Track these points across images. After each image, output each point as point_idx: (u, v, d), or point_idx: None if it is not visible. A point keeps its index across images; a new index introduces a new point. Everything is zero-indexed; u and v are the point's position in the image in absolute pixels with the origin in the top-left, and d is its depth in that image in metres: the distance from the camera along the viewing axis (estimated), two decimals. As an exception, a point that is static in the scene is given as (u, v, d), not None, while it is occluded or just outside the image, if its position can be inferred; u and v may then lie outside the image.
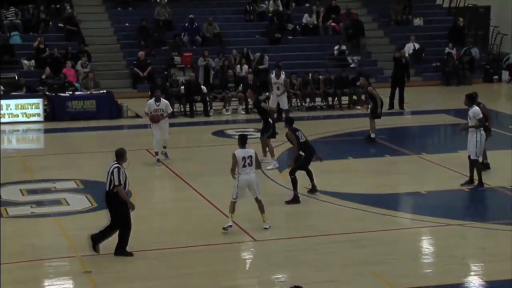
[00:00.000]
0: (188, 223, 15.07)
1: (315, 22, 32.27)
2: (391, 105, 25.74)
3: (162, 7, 31.36)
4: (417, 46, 31.65)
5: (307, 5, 33.36)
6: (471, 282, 12.33)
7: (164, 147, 19.26)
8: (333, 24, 32.31)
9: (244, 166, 13.97)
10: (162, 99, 19.03)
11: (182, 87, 25.82)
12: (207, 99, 25.65)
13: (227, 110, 25.89)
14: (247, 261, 13.33)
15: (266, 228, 14.12)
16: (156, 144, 19.00)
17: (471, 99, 16.74)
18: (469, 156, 16.71)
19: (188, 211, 15.85)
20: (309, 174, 16.24)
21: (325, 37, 32.02)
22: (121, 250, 12.94)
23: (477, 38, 34.53)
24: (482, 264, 12.93)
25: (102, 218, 15.25)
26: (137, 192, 17.03)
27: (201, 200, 16.41)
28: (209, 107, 25.60)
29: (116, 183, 12.67)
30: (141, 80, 28.36)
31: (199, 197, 16.59)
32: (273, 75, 23.67)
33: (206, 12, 31.78)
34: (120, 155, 12.95)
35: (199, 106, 25.61)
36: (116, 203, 12.78)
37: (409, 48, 31.69)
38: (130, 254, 12.98)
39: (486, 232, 14.27)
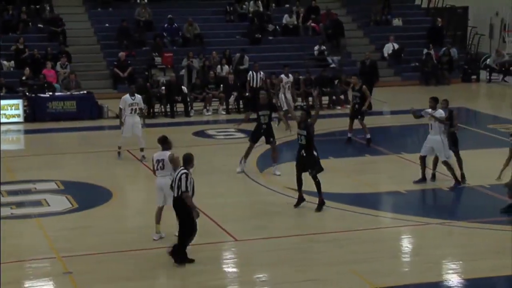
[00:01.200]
0: (169, 224, 14.99)
1: (295, 22, 32.31)
2: None
3: (143, 7, 31.29)
4: (396, 46, 31.77)
5: (287, 5, 33.40)
6: (450, 280, 12.37)
7: (142, 149, 19.19)
8: (313, 24, 32.36)
9: (156, 169, 13.76)
10: (136, 94, 19.41)
11: (163, 87, 25.77)
12: (188, 99, 25.61)
13: (207, 111, 25.87)
14: (228, 261, 13.30)
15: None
16: (123, 140, 19.42)
17: (436, 101, 16.95)
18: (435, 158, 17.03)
19: (169, 211, 15.76)
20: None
21: (305, 38, 32.05)
22: (179, 255, 12.55)
23: (455, 38, 34.71)
24: (461, 262, 12.99)
25: (83, 219, 15.23)
26: (119, 192, 17.00)
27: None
28: (189, 108, 25.56)
29: (183, 189, 12.31)
30: (122, 80, 28.26)
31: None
32: (283, 75, 23.82)
33: (186, 13, 31.72)
34: (188, 161, 12.62)
35: (180, 107, 25.56)
36: (184, 209, 12.43)
37: (388, 48, 31.81)
38: (192, 260, 12.62)
39: (465, 231, 14.33)
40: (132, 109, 19.16)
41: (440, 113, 16.77)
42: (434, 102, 16.94)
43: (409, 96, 28.86)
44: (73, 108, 24.75)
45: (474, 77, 32.04)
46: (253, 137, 18.20)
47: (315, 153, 15.27)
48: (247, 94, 25.06)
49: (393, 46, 31.77)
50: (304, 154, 15.23)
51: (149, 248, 13.52)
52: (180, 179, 12.34)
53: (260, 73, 24.92)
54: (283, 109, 22.81)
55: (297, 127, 15.58)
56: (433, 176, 17.28)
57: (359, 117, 20.96)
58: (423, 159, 17.12)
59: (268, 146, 18.32)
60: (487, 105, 28.47)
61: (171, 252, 12.58)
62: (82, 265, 12.75)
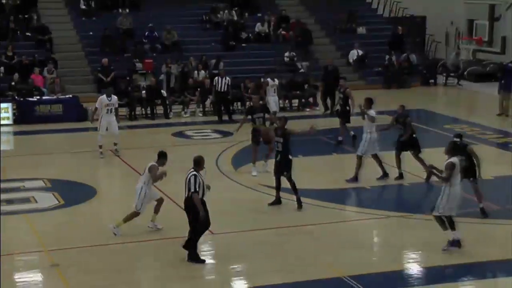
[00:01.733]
0: (149, 218, 14.95)
1: (267, 30, 32.31)
2: (326, 108, 25.91)
3: (124, 16, 31.16)
4: (360, 52, 31.88)
5: (259, 15, 33.38)
6: (410, 269, 12.47)
7: (115, 144, 19.46)
8: (283, 32, 32.37)
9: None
10: (112, 95, 19.57)
11: (144, 91, 25.68)
12: (167, 102, 25.54)
13: (185, 113, 25.81)
14: (206, 253, 13.26)
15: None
16: (101, 138, 19.45)
17: (371, 102, 17.23)
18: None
19: (150, 207, 15.71)
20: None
21: (276, 45, 32.06)
22: (192, 257, 12.42)
23: (414, 45, 34.87)
24: (420, 252, 13.07)
25: (69, 215, 15.14)
26: (103, 189, 16.93)
27: (162, 196, 16.28)
28: (169, 110, 25.49)
29: (192, 190, 12.18)
30: (105, 85, 27.98)
31: (160, 194, 16.45)
32: (269, 79, 23.74)
33: (165, 22, 31.61)
34: (198, 163, 12.45)
35: (160, 109, 25.47)
36: (194, 208, 12.27)
37: (353, 54, 31.91)
38: (203, 261, 12.49)
39: (424, 223, 14.40)
40: (108, 109, 19.31)
41: (372, 113, 17.00)
42: (369, 103, 17.21)
43: (373, 99, 28.95)
44: (59, 111, 24.59)
45: (432, 81, 32.20)
46: (254, 140, 18.04)
47: (290, 157, 15.22)
48: (213, 98, 24.89)
49: (358, 53, 31.88)
50: (279, 159, 15.16)
51: (131, 242, 13.47)
52: (189, 180, 12.23)
53: (225, 78, 24.76)
54: (272, 110, 22.66)
55: (275, 134, 15.45)
56: (401, 175, 17.26)
57: (343, 119, 20.76)
58: (375, 156, 17.13)
59: (246, 144, 18.29)
60: (443, 107, 28.64)
61: (184, 246, 12.48)
62: (69, 258, 12.69)
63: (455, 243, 12.70)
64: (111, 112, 19.38)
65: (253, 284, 11.83)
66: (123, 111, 25.01)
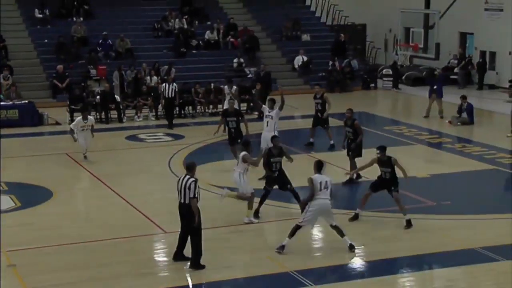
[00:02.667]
0: (105, 218, 14.82)
1: (216, 38, 32.28)
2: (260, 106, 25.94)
3: (78, 25, 30.82)
4: (305, 58, 32.07)
5: (209, 23, 33.32)
6: (355, 262, 12.57)
7: (86, 150, 19.30)
8: (232, 39, 32.39)
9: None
10: (89, 116, 19.65)
11: (98, 96, 25.41)
12: (121, 107, 25.32)
13: (138, 117, 25.61)
14: (159, 251, 13.20)
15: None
16: (82, 147, 19.34)
17: (273, 102, 17.87)
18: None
19: (105, 207, 15.60)
20: None
21: (225, 51, 32.06)
22: (196, 262, 12.03)
23: (356, 51, 35.22)
24: (363, 247, 13.18)
25: (26, 216, 14.88)
26: (59, 191, 16.68)
27: (116, 197, 16.18)
28: (122, 114, 25.27)
29: (192, 196, 11.84)
30: (60, 91, 27.84)
31: (114, 195, 16.35)
32: (226, 86, 23.67)
33: (118, 30, 31.37)
34: (192, 168, 12.14)
35: (114, 114, 25.23)
36: (191, 215, 11.92)
37: (298, 60, 32.08)
38: (203, 266, 12.07)
39: (367, 219, 14.54)
40: (83, 128, 19.30)
41: (277, 112, 17.52)
42: (272, 103, 17.75)
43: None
44: (15, 116, 24.18)
45: (372, 85, 32.55)
46: (230, 141, 18.25)
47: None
48: (161, 104, 24.59)
49: (303, 59, 32.07)
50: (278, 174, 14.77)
51: (88, 241, 13.33)
52: (189, 186, 11.86)
53: (173, 85, 24.55)
54: None
55: (269, 155, 14.80)
56: (358, 176, 17.25)
57: (325, 126, 20.61)
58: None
59: (196, 147, 18.28)
60: (383, 109, 28.97)
61: (193, 266, 12.07)
62: (25, 258, 12.49)
63: None
64: (86, 129, 19.34)
65: (205, 279, 11.80)
66: (79, 115, 24.75)
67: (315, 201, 12.57)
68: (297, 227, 12.70)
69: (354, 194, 16.87)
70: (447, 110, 25.25)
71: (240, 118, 18.36)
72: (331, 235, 13.77)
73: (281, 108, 17.96)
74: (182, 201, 11.97)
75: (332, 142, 20.60)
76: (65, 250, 12.97)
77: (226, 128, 18.71)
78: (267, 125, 17.54)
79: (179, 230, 12.29)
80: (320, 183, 12.60)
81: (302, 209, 12.99)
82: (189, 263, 12.08)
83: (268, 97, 17.98)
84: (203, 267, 12.05)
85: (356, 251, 13.00)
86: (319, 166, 12.96)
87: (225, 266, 12.21)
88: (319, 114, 20.82)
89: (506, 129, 22.54)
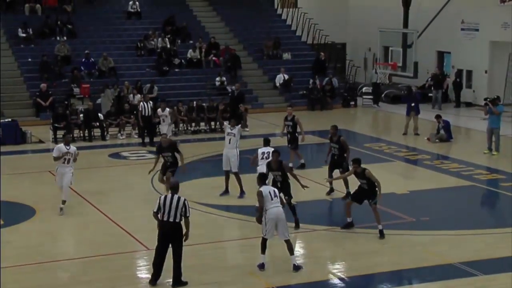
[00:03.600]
0: (88, 236, 14.73)
1: (198, 56, 32.33)
2: (221, 124, 25.71)
3: (62, 44, 30.77)
4: (286, 77, 32.19)
5: (191, 42, 33.39)
6: (335, 278, 12.56)
7: (63, 202, 16.30)
8: (214, 58, 32.46)
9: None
10: (71, 144, 16.76)
11: (81, 115, 25.33)
12: (104, 125, 25.25)
13: (121, 135, 25.55)
14: (141, 268, 13.13)
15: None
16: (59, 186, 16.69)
17: (238, 120, 18.03)
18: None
19: (88, 225, 15.51)
20: None
21: (207, 70, 32.11)
22: (178, 281, 11.96)
23: (336, 70, 35.41)
24: (343, 262, 13.20)
25: (8, 234, 14.74)
26: (42, 209, 16.56)
27: (99, 214, 16.09)
28: (105, 132, 25.19)
29: (188, 215, 11.89)
30: (44, 109, 27.73)
31: (97, 212, 16.27)
32: (159, 109, 23.42)
33: (101, 48, 31.36)
34: (178, 187, 12.15)
35: (97, 132, 25.14)
36: (181, 233, 11.91)
37: (279, 78, 32.20)
38: (186, 283, 12.02)
39: (346, 235, 14.56)
40: (65, 159, 16.20)
41: (238, 130, 17.49)
42: (235, 122, 17.79)
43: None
44: (-2, 134, 24.05)
45: (352, 103, 32.71)
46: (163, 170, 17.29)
47: (289, 181, 15.07)
48: (140, 123, 24.38)
49: (284, 77, 32.19)
50: (279, 185, 14.81)
51: (70, 259, 13.23)
52: (184, 205, 11.84)
53: (150, 103, 24.45)
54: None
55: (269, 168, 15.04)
56: (331, 190, 17.38)
57: (293, 146, 20.14)
58: (226, 172, 17.26)
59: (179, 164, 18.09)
60: (363, 127, 29.11)
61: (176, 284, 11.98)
62: (8, 276, 12.35)
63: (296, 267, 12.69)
64: (68, 162, 16.24)
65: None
66: (62, 133, 24.67)
67: (270, 211, 12.61)
68: (264, 240, 12.73)
69: (334, 210, 16.92)
70: (424, 127, 25.42)
71: (176, 152, 17.05)
72: (314, 251, 13.79)
73: (243, 126, 17.85)
74: (171, 220, 11.85)
75: (302, 161, 20.36)
76: (47, 268, 12.86)
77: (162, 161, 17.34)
78: (229, 142, 17.48)
79: (157, 249, 12.06)
80: (269, 192, 12.71)
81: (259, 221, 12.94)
82: (171, 281, 12.00)
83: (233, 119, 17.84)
84: (186, 283, 12.00)
85: (337, 266, 13.02)
86: (263, 179, 13.12)
87: (207, 283, 12.15)
88: (289, 136, 20.22)
89: (483, 146, 22.73)
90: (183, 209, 11.83)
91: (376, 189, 14.23)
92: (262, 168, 15.54)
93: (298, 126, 20.12)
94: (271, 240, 12.72)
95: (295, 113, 20.51)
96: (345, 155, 17.22)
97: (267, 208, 12.61)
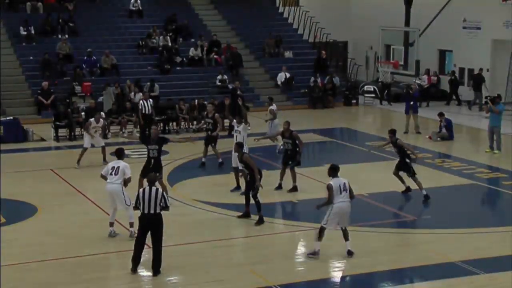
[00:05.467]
0: (90, 234, 14.74)
1: (200, 54, 32.34)
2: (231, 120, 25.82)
3: (63, 42, 30.79)
4: (288, 75, 32.20)
5: (193, 40, 33.41)
6: (336, 277, 12.58)
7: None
8: (215, 56, 32.47)
9: (110, 175, 13.96)
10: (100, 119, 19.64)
11: (83, 113, 25.33)
12: (105, 123, 25.21)
13: (123, 133, 25.57)
14: (141, 266, 13.13)
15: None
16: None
17: (241, 117, 18.05)
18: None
19: (90, 222, 15.52)
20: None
21: (208, 68, 32.13)
22: (159, 268, 12.33)
23: (337, 68, 35.41)
24: (344, 261, 13.20)
25: (10, 232, 14.77)
26: (44, 207, 16.59)
27: (101, 213, 16.09)
28: (107, 130, 25.19)
29: (168, 205, 12.36)
30: (45, 107, 27.75)
31: (98, 210, 16.27)
32: (93, 120, 21.38)
33: (103, 47, 31.38)
34: (155, 181, 12.66)
35: (98, 130, 25.09)
36: (160, 223, 12.25)
37: (281, 77, 32.20)
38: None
39: (352, 233, 14.48)
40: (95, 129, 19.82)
41: (244, 127, 17.71)
42: (240, 118, 17.97)
43: (299, 118, 29.25)
44: (0, 133, 24.07)
45: (354, 101, 32.70)
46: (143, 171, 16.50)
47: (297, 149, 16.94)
48: (141, 122, 24.31)
49: (285, 75, 32.19)
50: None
51: (72, 257, 13.25)
52: (163, 196, 12.20)
53: (149, 101, 24.48)
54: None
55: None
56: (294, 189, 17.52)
57: (213, 144, 20.22)
58: (235, 169, 17.33)
59: (181, 162, 18.16)
60: (364, 125, 29.10)
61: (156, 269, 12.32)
62: (11, 273, 12.38)
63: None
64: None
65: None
66: (64, 131, 24.72)
67: (336, 205, 12.75)
68: (323, 229, 12.94)
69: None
70: (424, 125, 25.40)
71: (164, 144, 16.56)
72: (311, 249, 13.78)
73: (245, 122, 17.92)
74: (152, 211, 12.16)
75: (220, 160, 20.29)
76: (49, 265, 12.88)
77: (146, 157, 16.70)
78: (236, 139, 17.59)
79: (137, 239, 12.37)
80: (340, 186, 12.79)
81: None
82: (152, 272, 12.25)
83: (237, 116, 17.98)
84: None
85: (338, 264, 13.03)
86: (335, 170, 13.06)
87: (208, 281, 12.16)
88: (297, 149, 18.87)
89: (485, 144, 22.71)
90: (162, 200, 12.19)
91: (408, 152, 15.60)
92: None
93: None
94: (271, 239, 12.74)
95: (296, 112, 20.57)
96: (297, 149, 17.38)
97: (334, 202, 12.72)
